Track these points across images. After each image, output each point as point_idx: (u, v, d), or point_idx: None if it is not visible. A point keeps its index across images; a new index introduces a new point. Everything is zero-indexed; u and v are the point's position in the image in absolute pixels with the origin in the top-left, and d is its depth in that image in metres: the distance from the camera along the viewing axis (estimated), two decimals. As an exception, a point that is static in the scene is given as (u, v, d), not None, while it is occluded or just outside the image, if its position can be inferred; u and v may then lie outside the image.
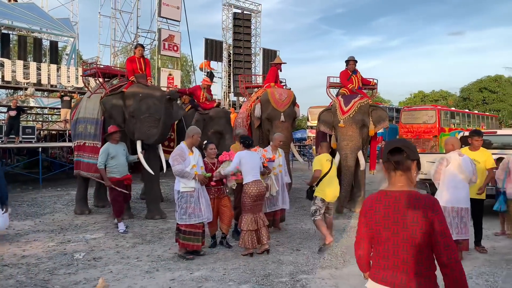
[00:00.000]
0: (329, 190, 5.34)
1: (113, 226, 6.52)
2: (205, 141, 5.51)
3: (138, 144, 6.82)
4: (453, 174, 4.86)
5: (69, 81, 16.73)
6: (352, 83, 8.37)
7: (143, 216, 7.31)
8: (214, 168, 5.24)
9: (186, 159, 4.87)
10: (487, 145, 6.41)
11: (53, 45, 19.87)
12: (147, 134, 6.77)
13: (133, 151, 6.96)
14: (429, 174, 7.36)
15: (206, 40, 20.61)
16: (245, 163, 5.02)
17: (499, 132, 8.48)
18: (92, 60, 21.45)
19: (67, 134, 14.34)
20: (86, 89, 9.59)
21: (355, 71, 8.52)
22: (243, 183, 5.08)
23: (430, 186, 7.35)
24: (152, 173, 6.90)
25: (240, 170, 5.06)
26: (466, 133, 9.27)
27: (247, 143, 5.24)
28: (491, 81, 31.31)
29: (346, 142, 7.53)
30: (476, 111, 26.44)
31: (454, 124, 19.45)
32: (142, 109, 6.84)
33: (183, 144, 5.01)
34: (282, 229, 6.38)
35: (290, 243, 5.61)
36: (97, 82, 8.44)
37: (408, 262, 1.78)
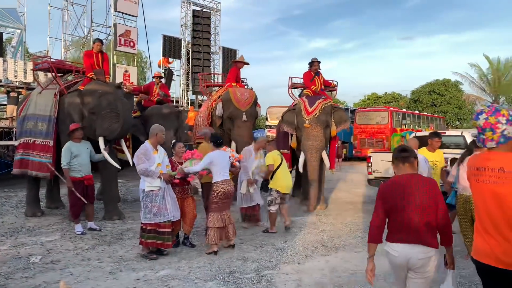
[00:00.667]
0: (283, 182, 6.12)
1: (70, 228, 6.28)
2: (174, 140, 5.50)
3: (101, 141, 6.58)
4: None
5: (16, 76, 15.80)
6: (315, 84, 8.54)
7: (100, 217, 7.08)
8: (178, 167, 5.21)
9: (150, 158, 4.82)
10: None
11: (-3, 36, 18.70)
12: (109, 129, 6.56)
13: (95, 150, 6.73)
14: (384, 172, 7.77)
15: (164, 36, 20.24)
16: (217, 163, 5.07)
17: (448, 132, 9.05)
18: (41, 54, 20.45)
19: (14, 132, 13.58)
20: (36, 84, 9.09)
21: (318, 73, 8.67)
22: (213, 181, 5.12)
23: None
24: (119, 167, 6.76)
25: (208, 168, 5.08)
26: (419, 134, 9.80)
27: (218, 143, 5.30)
28: (439, 84, 33.09)
29: (311, 142, 7.67)
30: (426, 113, 27.90)
31: (405, 125, 20.40)
32: (103, 105, 6.62)
33: (147, 143, 4.94)
34: (241, 227, 6.45)
35: (253, 240, 5.68)
36: (49, 77, 8.06)
37: (419, 223, 2.51)
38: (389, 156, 7.92)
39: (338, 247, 5.37)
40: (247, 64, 9.44)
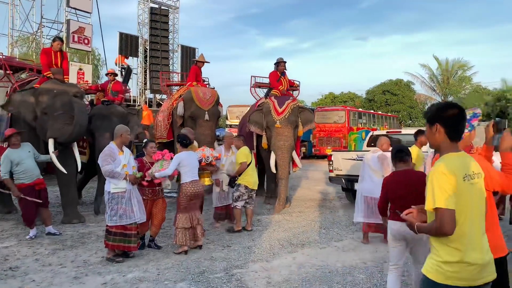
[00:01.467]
0: (252, 178, 6.20)
1: (26, 233, 5.98)
2: (145, 140, 5.39)
3: (50, 143, 6.32)
4: (369, 169, 5.48)
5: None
6: (282, 84, 8.62)
7: (58, 221, 6.80)
8: (148, 168, 5.14)
9: (116, 159, 4.72)
10: (397, 143, 7.11)
11: None
12: (61, 131, 6.31)
13: (47, 151, 6.45)
14: (344, 170, 8.04)
15: (121, 34, 19.65)
16: (185, 165, 5.06)
17: (403, 131, 9.49)
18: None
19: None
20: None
21: (283, 73, 8.75)
22: (181, 182, 5.10)
23: (345, 181, 7.97)
24: (65, 171, 6.42)
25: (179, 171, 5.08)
26: (376, 133, 10.21)
27: (185, 143, 5.27)
28: (393, 84, 34.49)
29: (282, 142, 7.72)
30: (380, 112, 29.01)
31: (361, 123, 21.13)
32: (56, 106, 6.36)
33: (112, 144, 4.84)
34: (212, 227, 6.45)
35: (221, 240, 5.70)
36: None
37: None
38: (349, 155, 8.25)
39: (303, 243, 5.50)
40: (208, 62, 9.39)
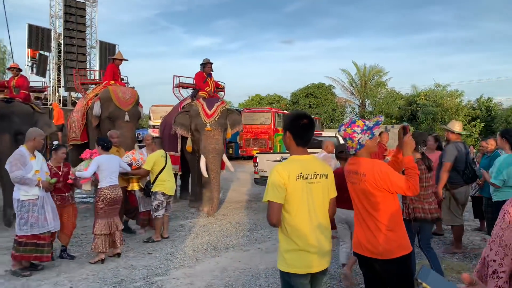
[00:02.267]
0: (168, 183, 5.81)
1: None
2: (56, 143, 4.97)
3: None
4: None
5: None
6: (208, 86, 8.45)
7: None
8: (59, 173, 4.78)
9: (27, 164, 4.33)
10: (318, 145, 7.37)
11: None
12: None
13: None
14: (270, 171, 8.18)
15: (30, 26, 18.09)
16: (104, 169, 4.82)
17: (324, 134, 9.90)
18: None
19: None
20: None
21: (209, 74, 8.60)
22: (98, 187, 4.81)
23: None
24: None
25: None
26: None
27: (106, 146, 5.02)
28: (315, 87, 35.87)
29: (213, 146, 7.59)
30: (304, 114, 29.96)
31: (286, 125, 21.66)
32: None
33: (23, 148, 4.44)
34: (132, 235, 6.16)
35: (141, 247, 5.46)
36: None
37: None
38: (274, 156, 8.40)
39: (227, 247, 5.47)
40: (126, 60, 8.95)
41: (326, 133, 10.38)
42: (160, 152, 5.85)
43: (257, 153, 9.14)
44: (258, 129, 20.45)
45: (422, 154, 4.01)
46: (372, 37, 72.64)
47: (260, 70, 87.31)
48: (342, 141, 8.59)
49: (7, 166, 4.34)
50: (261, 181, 8.33)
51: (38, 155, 4.56)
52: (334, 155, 5.69)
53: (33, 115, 7.11)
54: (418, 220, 3.88)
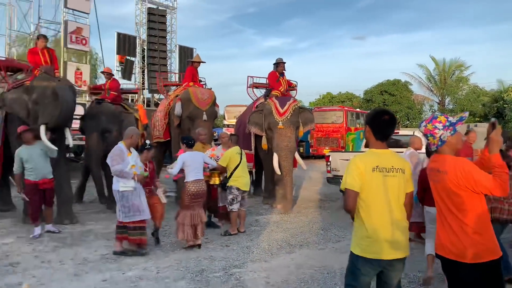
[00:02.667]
0: (242, 179, 6.05)
1: (24, 231, 6.01)
2: (149, 142, 5.52)
3: (42, 129, 6.22)
4: None
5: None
6: (281, 85, 8.62)
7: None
8: (147, 169, 5.29)
9: (125, 160, 4.83)
10: (394, 144, 7.16)
11: None
12: (50, 115, 6.26)
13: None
14: (343, 171, 8.09)
15: (119, 34, 19.66)
16: (188, 164, 5.24)
17: (401, 132, 9.55)
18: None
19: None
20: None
21: (282, 73, 8.74)
22: (184, 181, 5.21)
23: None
24: (55, 148, 6.26)
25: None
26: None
27: (189, 143, 5.43)
28: (390, 84, 34.46)
29: (285, 143, 7.71)
30: (377, 113, 28.97)
31: (359, 124, 21.18)
32: (47, 94, 6.33)
33: (121, 145, 4.95)
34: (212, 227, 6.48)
35: (220, 240, 5.73)
36: None
37: None
38: (347, 155, 8.30)
39: (302, 244, 5.54)
40: (204, 62, 9.42)
41: (403, 131, 9.99)
42: (236, 149, 6.12)
43: (329, 151, 9.07)
44: (330, 128, 20.20)
45: (501, 152, 3.77)
46: (451, 29, 67.90)
47: (331, 68, 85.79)
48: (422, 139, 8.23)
49: (108, 160, 4.87)
50: (334, 180, 8.27)
51: (134, 151, 5.04)
52: (419, 151, 5.54)
53: (120, 115, 7.77)
54: (497, 221, 3.64)
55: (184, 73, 9.82)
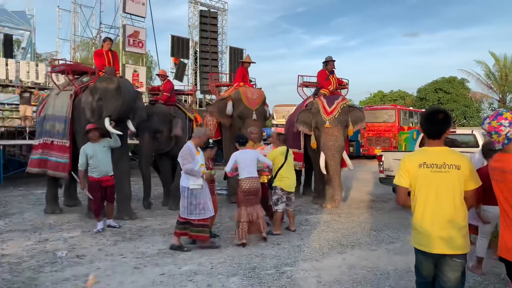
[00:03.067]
0: (287, 180, 5.98)
1: (89, 225, 6.45)
2: (212, 141, 5.78)
3: (106, 121, 6.55)
4: None
5: (28, 77, 16.03)
6: (330, 84, 8.59)
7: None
8: (211, 167, 5.55)
9: (194, 159, 5.10)
10: (451, 143, 6.88)
11: (7, 38, 18.97)
12: (113, 107, 6.56)
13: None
14: (396, 171, 7.88)
15: (173, 37, 20.42)
16: (241, 162, 5.40)
17: (458, 131, 9.14)
18: (50, 55, 20.65)
19: (27, 131, 13.78)
20: (51, 85, 9.26)
21: (332, 72, 8.68)
22: (238, 178, 5.40)
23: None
24: (120, 133, 6.68)
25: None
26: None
27: (242, 142, 5.59)
28: (446, 82, 32.94)
29: (332, 143, 7.70)
30: (432, 111, 27.77)
31: (412, 123, 20.45)
32: (109, 89, 6.66)
33: (190, 144, 5.20)
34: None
35: (270, 238, 5.77)
36: (66, 79, 8.19)
37: None
38: (400, 155, 8.05)
39: (353, 245, 5.48)
40: (254, 63, 9.54)
41: (459, 130, 9.54)
42: (281, 149, 6.08)
43: (382, 151, 8.86)
44: (381, 127, 19.66)
45: None
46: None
47: (382, 66, 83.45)
48: (479, 139, 7.83)
49: (179, 159, 5.12)
50: (387, 180, 8.07)
51: (200, 150, 5.32)
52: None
53: (170, 116, 8.02)
54: None
55: (235, 74, 10.01)
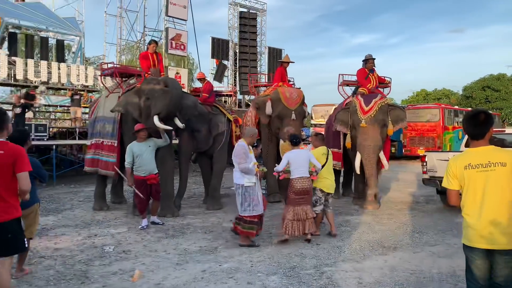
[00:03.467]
0: (327, 181, 5.87)
1: (134, 222, 6.72)
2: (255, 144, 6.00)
3: (155, 119, 6.73)
4: None
5: (78, 80, 16.90)
6: (370, 82, 8.44)
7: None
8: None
9: (248, 157, 5.31)
10: (501, 143, 6.58)
11: (60, 43, 20.04)
12: (162, 105, 6.74)
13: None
14: (440, 172, 7.61)
15: (213, 39, 20.80)
16: (293, 162, 5.49)
17: (508, 130, 8.69)
18: (97, 59, 21.61)
19: (77, 132, 14.54)
20: (104, 88, 9.72)
21: (372, 70, 8.53)
22: (290, 178, 5.49)
23: (440, 184, 7.52)
24: (170, 128, 6.98)
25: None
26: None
27: (295, 142, 5.69)
28: (494, 79, 31.38)
29: (368, 142, 7.58)
30: (479, 110, 26.56)
31: (457, 122, 19.65)
32: (156, 88, 6.84)
33: (243, 143, 5.38)
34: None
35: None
36: (114, 81, 8.58)
37: None
38: (445, 155, 7.79)
39: (395, 247, 5.36)
40: (292, 62, 9.53)
41: (509, 130, 9.07)
42: (322, 149, 5.98)
43: (426, 151, 8.57)
44: (425, 127, 19.02)
45: None
46: None
47: (425, 63, 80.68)
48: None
49: (234, 159, 5.31)
50: (430, 181, 7.82)
51: (251, 149, 5.52)
52: None
53: (208, 115, 8.16)
54: None
55: (274, 74, 10.06)
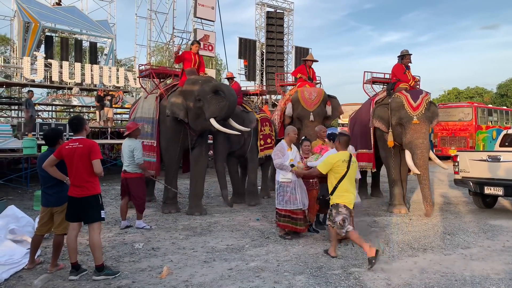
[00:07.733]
0: (350, 195, 4.80)
1: (163, 219, 6.87)
2: (303, 137, 6.29)
3: (213, 122, 6.81)
4: None
5: (110, 81, 17.39)
6: (409, 78, 8.12)
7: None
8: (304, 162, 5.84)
9: (285, 154, 5.56)
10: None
11: (93, 46, 20.70)
12: (218, 108, 6.76)
13: (192, 144, 7.51)
14: (473, 172, 7.37)
15: (240, 39, 20.95)
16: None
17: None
18: (129, 60, 22.13)
19: (108, 131, 14.95)
20: (142, 89, 10.00)
21: (408, 66, 8.21)
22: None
23: (473, 184, 7.28)
24: (238, 133, 7.25)
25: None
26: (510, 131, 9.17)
27: (331, 139, 5.77)
28: (530, 77, 30.17)
29: (421, 140, 7.12)
30: (515, 108, 25.62)
31: (491, 121, 18.98)
32: (206, 90, 6.86)
33: (283, 141, 5.69)
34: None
35: (337, 238, 5.74)
36: (152, 83, 8.78)
37: None
38: (478, 155, 7.55)
39: (425, 248, 5.24)
40: (316, 61, 9.40)
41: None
42: (343, 155, 4.83)
43: (458, 151, 8.28)
44: (456, 126, 18.46)
45: None
46: None
47: (456, 61, 78.16)
48: None
49: (272, 155, 5.70)
50: (462, 182, 7.58)
51: (293, 147, 5.76)
52: None
53: (240, 114, 8.21)
54: None
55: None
